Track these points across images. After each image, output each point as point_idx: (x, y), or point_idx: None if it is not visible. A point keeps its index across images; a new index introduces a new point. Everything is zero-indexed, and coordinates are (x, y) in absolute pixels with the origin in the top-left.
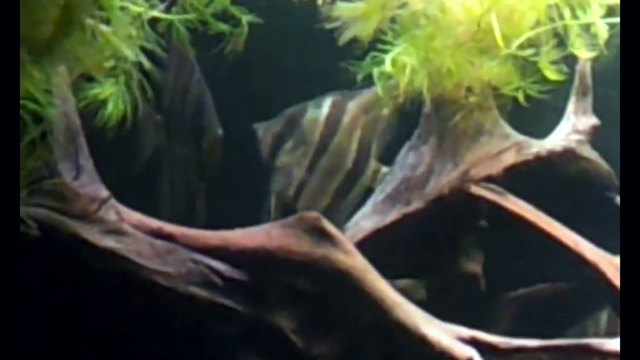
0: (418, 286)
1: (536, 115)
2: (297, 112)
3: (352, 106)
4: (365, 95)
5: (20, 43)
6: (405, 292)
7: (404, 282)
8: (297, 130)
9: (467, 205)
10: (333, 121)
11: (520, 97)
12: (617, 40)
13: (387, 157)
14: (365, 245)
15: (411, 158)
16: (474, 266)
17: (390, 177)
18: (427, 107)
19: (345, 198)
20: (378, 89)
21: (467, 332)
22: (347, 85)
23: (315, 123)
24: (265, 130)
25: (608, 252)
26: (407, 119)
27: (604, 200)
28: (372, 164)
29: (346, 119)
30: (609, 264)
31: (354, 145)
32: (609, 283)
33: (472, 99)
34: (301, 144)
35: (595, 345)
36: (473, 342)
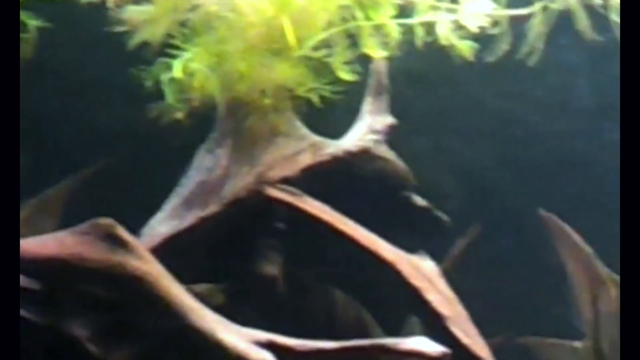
0: (216, 291)
1: (334, 116)
2: None
3: None
4: None
5: None
6: (203, 297)
7: (201, 287)
8: None
9: (264, 208)
10: None
11: (314, 98)
12: (409, 39)
13: None
14: (162, 251)
15: (207, 161)
16: (272, 269)
17: (187, 181)
18: (221, 110)
19: None
20: (167, 95)
21: (264, 335)
22: (138, 91)
23: None
24: None
25: (405, 251)
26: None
27: (401, 200)
28: None
29: None
30: (407, 263)
31: None
32: (405, 282)
33: (267, 101)
34: None
35: (390, 345)
36: (270, 346)
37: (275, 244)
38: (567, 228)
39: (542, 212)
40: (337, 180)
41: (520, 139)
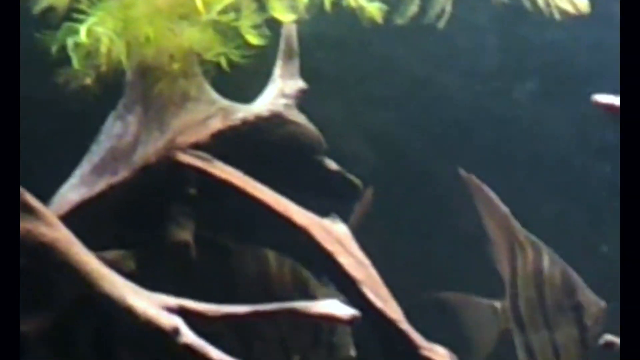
0: (127, 257)
1: (246, 81)
2: None
3: None
4: None
5: None
6: (114, 264)
7: (112, 254)
8: None
9: (175, 173)
10: None
11: (223, 62)
12: (317, 2)
13: None
14: (72, 218)
15: (117, 128)
16: (184, 234)
17: (97, 148)
18: (129, 76)
19: None
20: (73, 61)
21: (174, 301)
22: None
23: None
24: None
25: (317, 215)
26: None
27: (312, 163)
28: None
29: None
30: (319, 227)
31: None
32: (318, 246)
33: (175, 65)
34: None
35: (300, 309)
36: (181, 311)
37: (186, 209)
38: (485, 188)
39: (462, 172)
40: (248, 144)
41: (432, 101)
